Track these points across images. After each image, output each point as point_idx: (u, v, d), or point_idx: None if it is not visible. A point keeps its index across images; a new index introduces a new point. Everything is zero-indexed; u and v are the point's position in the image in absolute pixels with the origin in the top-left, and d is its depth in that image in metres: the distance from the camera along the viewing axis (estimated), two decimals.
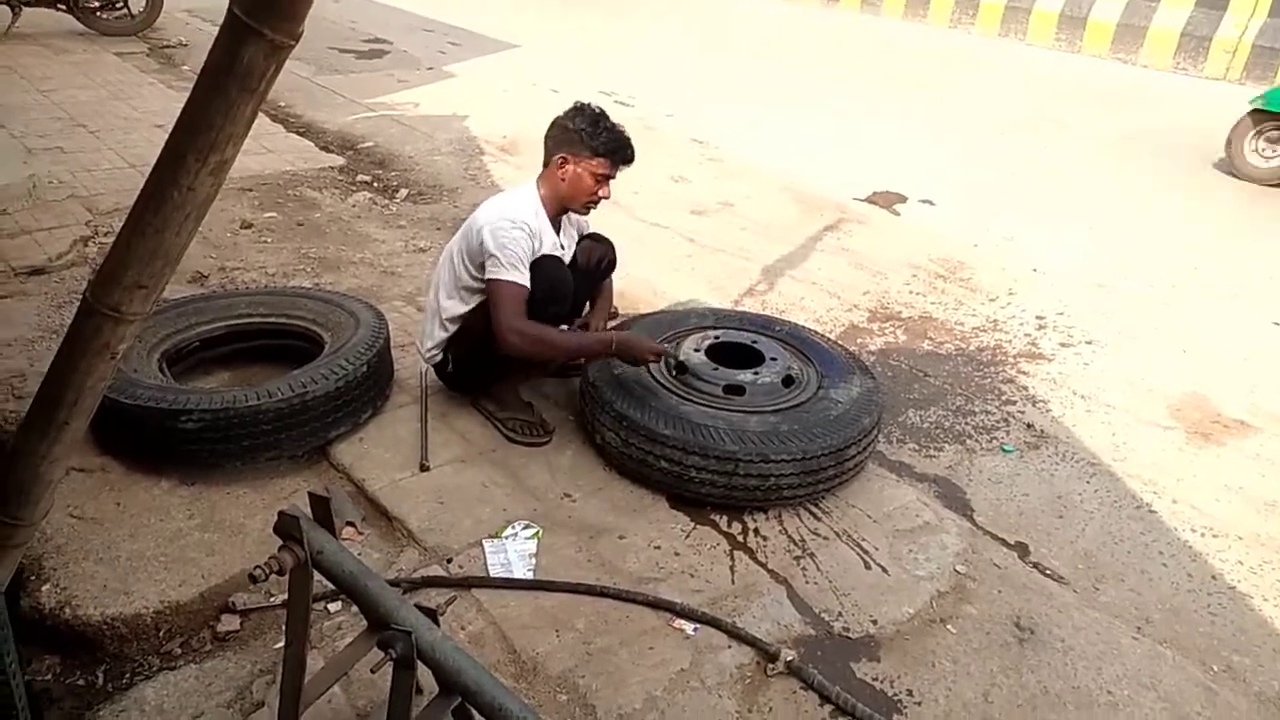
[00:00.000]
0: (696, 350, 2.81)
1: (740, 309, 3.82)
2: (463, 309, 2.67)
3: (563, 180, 2.55)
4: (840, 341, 3.48)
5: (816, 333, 3.26)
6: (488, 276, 2.48)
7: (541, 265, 2.53)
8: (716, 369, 2.73)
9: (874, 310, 4.13)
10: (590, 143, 2.50)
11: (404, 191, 5.11)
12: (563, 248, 2.71)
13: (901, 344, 3.83)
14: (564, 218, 2.72)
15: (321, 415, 2.57)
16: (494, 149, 5.94)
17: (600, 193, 2.58)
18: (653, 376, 2.71)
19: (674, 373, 2.76)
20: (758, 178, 5.67)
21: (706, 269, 4.38)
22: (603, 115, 2.53)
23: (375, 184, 5.21)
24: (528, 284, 2.47)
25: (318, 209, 4.69)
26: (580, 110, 2.55)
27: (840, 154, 6.25)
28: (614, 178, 2.59)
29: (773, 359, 2.81)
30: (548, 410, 2.95)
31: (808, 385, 2.79)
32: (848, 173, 5.86)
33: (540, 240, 2.55)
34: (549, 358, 2.69)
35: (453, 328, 2.69)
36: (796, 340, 3.06)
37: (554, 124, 2.56)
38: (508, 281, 2.45)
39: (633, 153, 2.56)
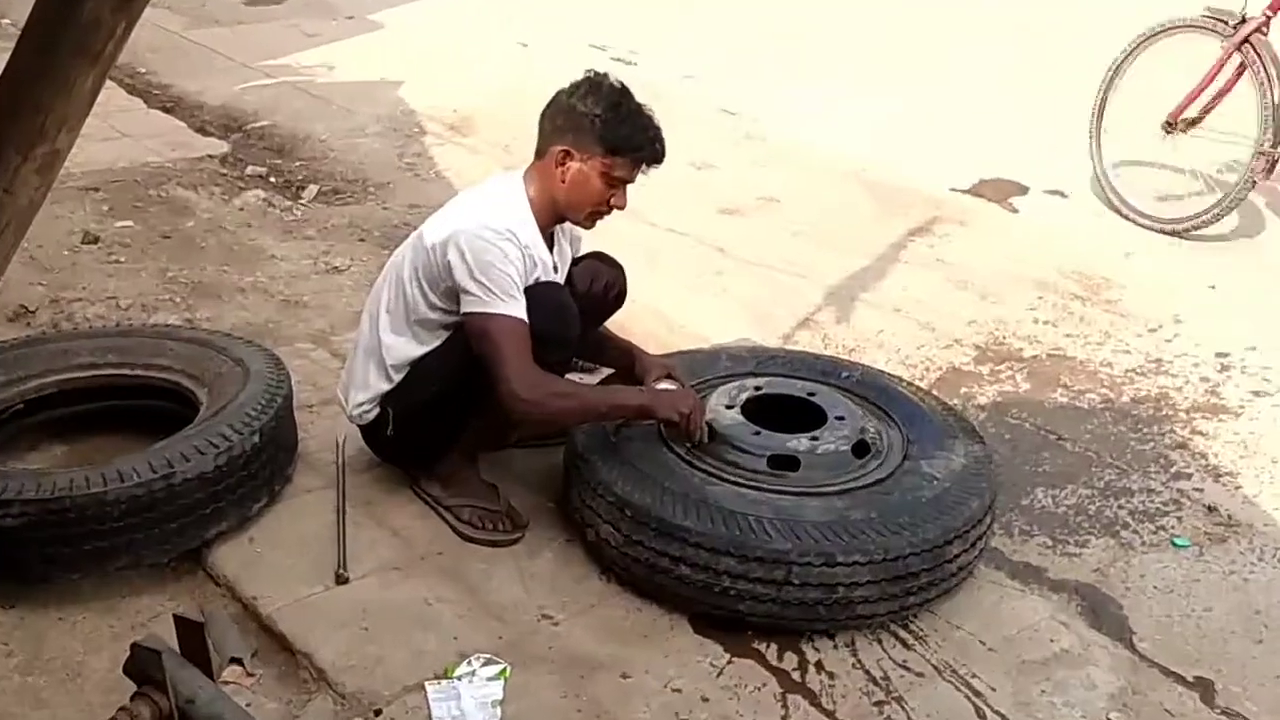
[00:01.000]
0: (730, 407, 2.82)
1: (792, 347, 3.84)
2: (418, 350, 2.68)
3: (563, 181, 2.58)
4: (936, 392, 3.49)
5: (901, 380, 3.25)
6: (470, 311, 2.49)
7: (536, 294, 2.55)
8: (759, 433, 2.73)
9: (983, 347, 4.14)
10: (606, 133, 2.53)
11: (312, 189, 5.20)
12: (555, 270, 2.73)
13: (1024, 395, 3.83)
14: (558, 229, 2.75)
15: (195, 506, 2.56)
16: (440, 127, 6.04)
17: (613, 201, 2.62)
18: (665, 445, 2.71)
19: (697, 439, 2.77)
20: (813, 163, 5.72)
21: (743, 291, 4.41)
22: (625, 95, 2.56)
23: (272, 179, 5.31)
24: (524, 316, 2.49)
25: (191, 215, 4.76)
26: (594, 87, 2.58)
27: (930, 129, 6.31)
28: (633, 181, 2.63)
29: (838, 418, 2.81)
30: (518, 494, 2.95)
31: (889, 455, 2.79)
32: (942, 154, 5.91)
33: (533, 260, 2.58)
34: (573, 423, 2.71)
35: (398, 376, 2.70)
36: (872, 391, 3.07)
37: (555, 102, 2.60)
38: (505, 316, 2.46)
39: (664, 149, 2.60)
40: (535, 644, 2.50)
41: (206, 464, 2.56)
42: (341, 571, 2.63)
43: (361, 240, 4.69)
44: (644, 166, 2.61)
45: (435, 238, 2.60)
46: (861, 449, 2.77)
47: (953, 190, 5.55)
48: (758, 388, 2.95)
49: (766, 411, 2.87)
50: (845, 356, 3.80)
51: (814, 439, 2.73)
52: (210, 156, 5.43)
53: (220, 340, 3.11)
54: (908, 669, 2.50)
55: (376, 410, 2.78)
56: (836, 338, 4.15)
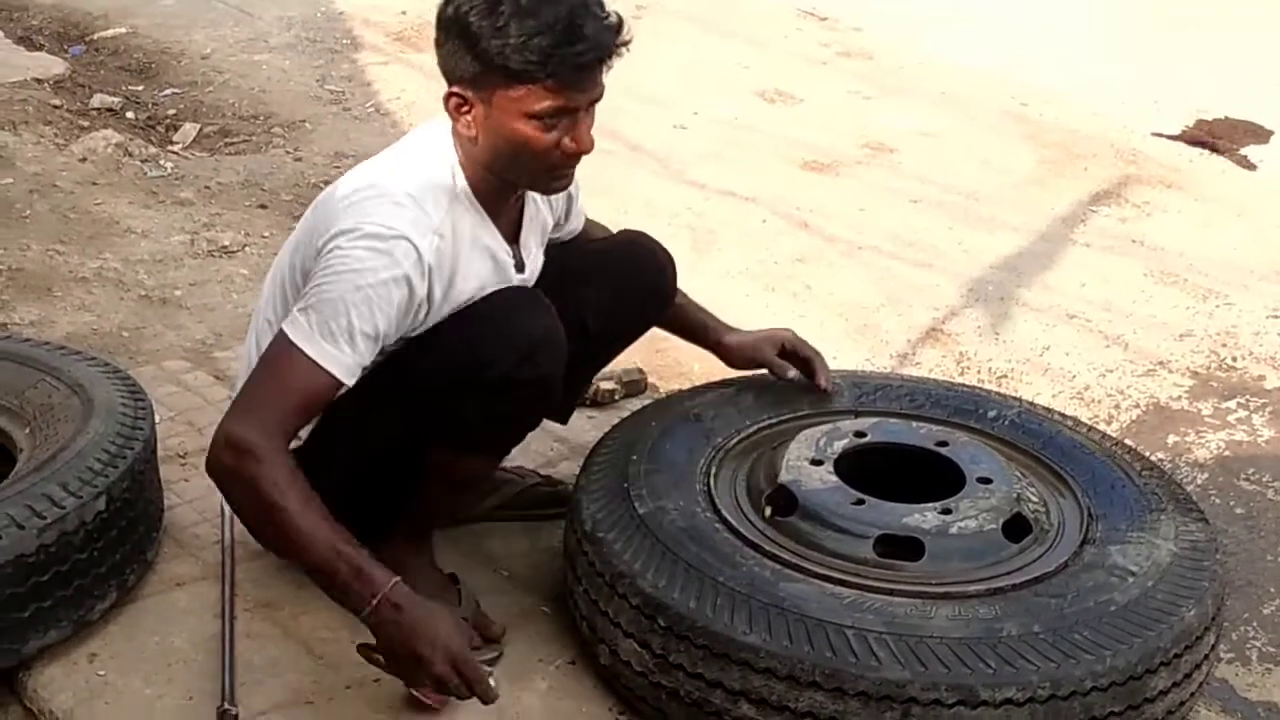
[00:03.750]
0: (817, 462, 2.81)
1: (912, 373, 3.82)
2: None
3: (473, 138, 2.54)
4: (1131, 443, 3.45)
5: (1079, 424, 3.20)
6: (282, 326, 2.48)
7: (487, 312, 2.52)
8: (861, 503, 2.72)
9: (1203, 374, 4.12)
10: (489, 51, 2.48)
11: (189, 129, 5.23)
12: (520, 267, 2.69)
13: (1266, 447, 3.83)
14: (526, 200, 2.71)
15: (7, 606, 2.53)
16: (381, 37, 6.06)
17: (563, 145, 2.56)
18: (719, 515, 2.68)
19: (767, 510, 2.79)
20: (944, 94, 5.72)
21: (837, 287, 4.39)
22: None
23: (130, 114, 5.32)
24: (342, 376, 2.46)
25: (8, 168, 4.78)
26: None
27: (1120, 44, 6.28)
28: (579, 107, 2.57)
29: (983, 481, 2.81)
30: (495, 592, 2.95)
31: (1060, 538, 2.77)
32: (1139, 83, 5.89)
33: (445, 271, 2.53)
34: (267, 539, 2.66)
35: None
36: (1035, 441, 3.05)
37: (438, 16, 2.58)
38: (303, 356, 2.41)
39: (599, 44, 2.51)
40: None
41: (25, 542, 2.52)
42: (228, 708, 2.58)
43: (262, 207, 4.70)
44: (576, 80, 2.54)
45: (324, 221, 2.58)
46: (1018, 528, 2.74)
47: (1156, 136, 5.53)
48: (860, 434, 2.91)
49: (873, 470, 2.84)
50: (993, 387, 3.75)
51: (946, 512, 2.69)
52: (38, 81, 5.44)
53: (49, 355, 3.06)
54: None
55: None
56: (979, 359, 4.12)
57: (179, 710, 2.64)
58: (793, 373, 3.04)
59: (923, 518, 2.72)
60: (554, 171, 2.62)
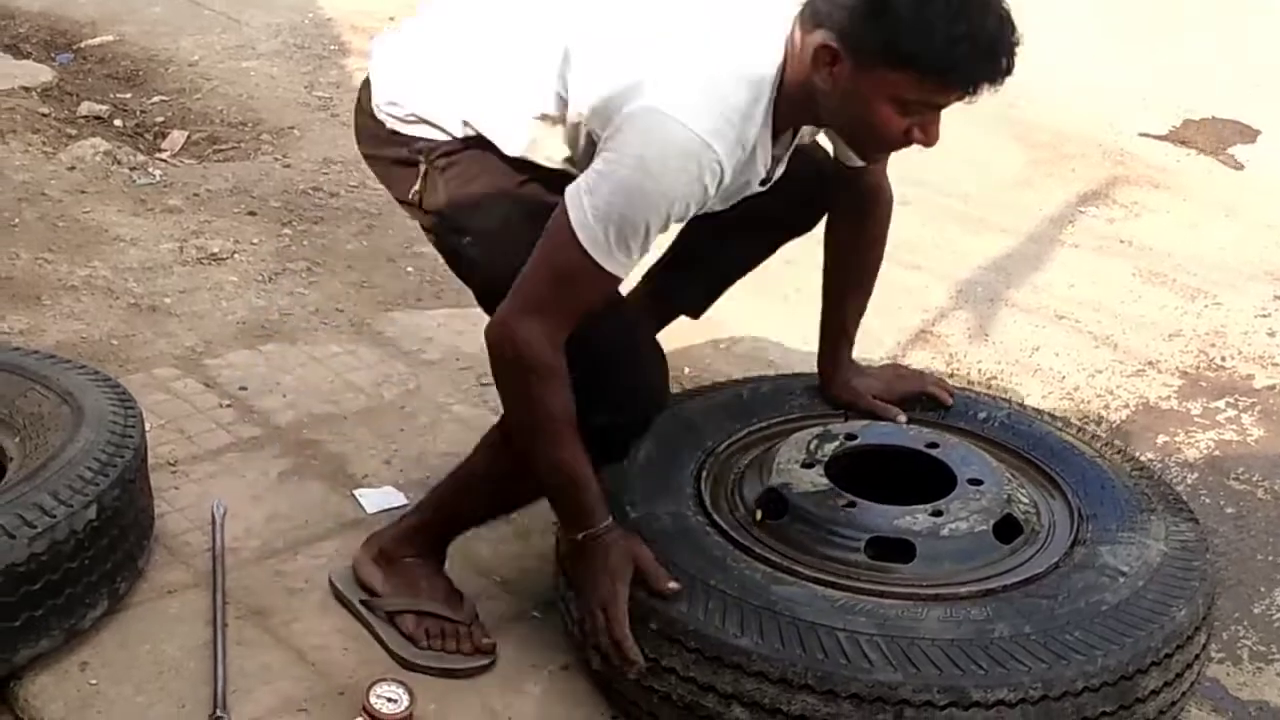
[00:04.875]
0: (808, 465, 2.82)
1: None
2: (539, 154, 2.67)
3: (828, 87, 2.51)
4: (1120, 444, 3.47)
5: (1069, 425, 3.22)
6: (567, 206, 2.45)
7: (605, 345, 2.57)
8: (853, 505, 2.73)
9: (1193, 374, 4.13)
10: (908, 36, 2.43)
11: (178, 137, 5.21)
12: (768, 178, 2.68)
13: (1255, 447, 3.82)
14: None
15: None
16: (368, 43, 5.85)
17: (914, 134, 2.55)
18: (711, 519, 2.69)
19: (759, 513, 2.76)
20: None
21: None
22: None
23: (118, 122, 5.31)
24: (623, 276, 2.48)
25: None
26: None
27: (1108, 43, 6.29)
28: (945, 106, 2.55)
29: (973, 482, 2.80)
30: (484, 597, 2.94)
31: (1051, 539, 2.77)
32: (1128, 82, 5.90)
33: (726, 181, 2.53)
34: (526, 441, 2.67)
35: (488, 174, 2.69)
36: (1025, 442, 3.06)
37: None
38: (585, 254, 2.38)
39: (1008, 70, 2.48)
40: None
41: (16, 551, 2.52)
42: (220, 715, 2.59)
43: (251, 214, 4.69)
44: (970, 88, 2.51)
45: (645, 80, 2.52)
46: (1009, 529, 2.74)
47: (1143, 136, 5.53)
48: (850, 436, 2.92)
49: (864, 473, 2.85)
50: (982, 389, 3.75)
51: (937, 514, 2.69)
52: (25, 90, 5.43)
53: (38, 364, 3.07)
54: None
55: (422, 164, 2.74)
56: (969, 360, 4.12)
57: (171, 718, 2.63)
58: (901, 416, 3.06)
59: (914, 520, 2.72)
60: (886, 150, 2.65)
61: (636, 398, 2.62)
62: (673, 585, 2.52)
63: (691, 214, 2.55)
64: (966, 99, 2.47)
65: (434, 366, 3.75)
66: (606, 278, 2.48)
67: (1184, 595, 2.62)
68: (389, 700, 2.61)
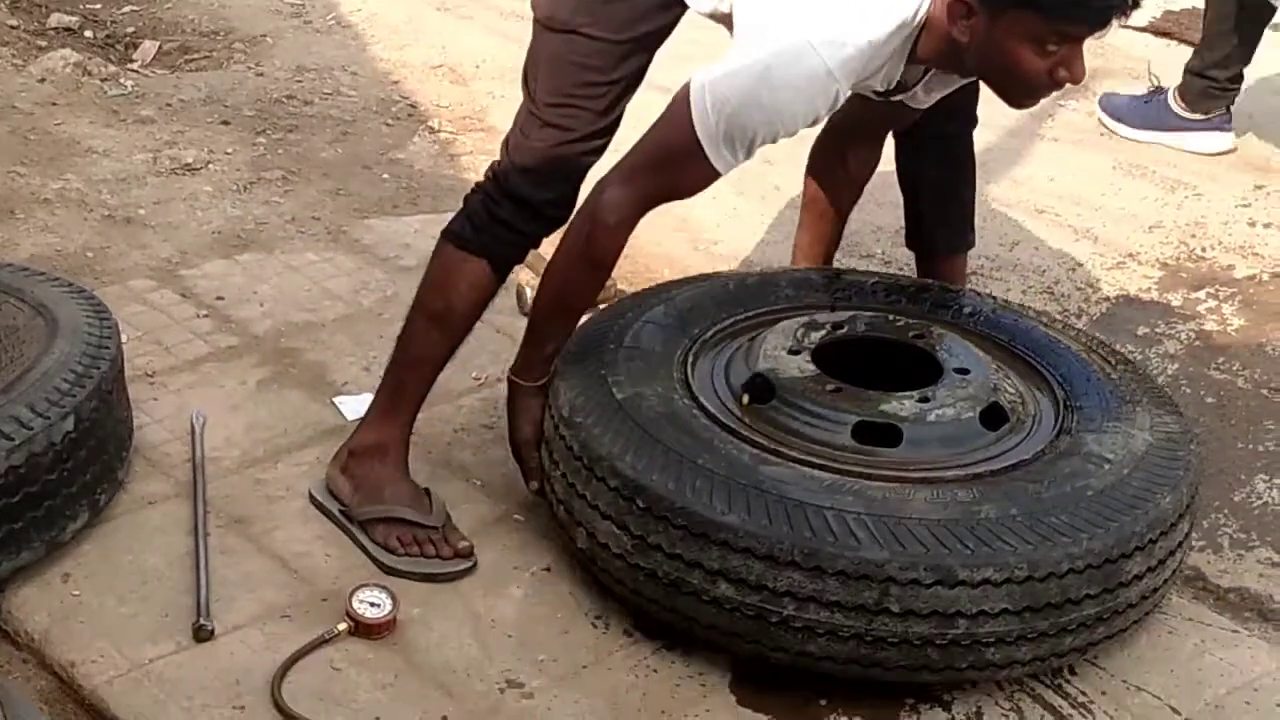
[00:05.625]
0: (795, 352, 2.82)
1: (887, 270, 3.81)
2: None
3: (966, 39, 2.55)
4: (1102, 335, 3.45)
5: (1051, 319, 3.22)
6: (687, 96, 2.56)
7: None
8: (839, 390, 2.74)
9: (1173, 265, 4.12)
10: None
11: (149, 47, 5.17)
12: (879, 92, 2.82)
13: (1236, 336, 3.82)
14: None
15: None
16: None
17: (1060, 74, 2.59)
18: (697, 402, 2.73)
19: (746, 397, 2.77)
20: None
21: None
22: None
23: (88, 33, 5.27)
24: (722, 172, 2.61)
25: None
26: None
27: None
28: (1084, 39, 2.58)
29: (960, 371, 2.81)
30: (465, 501, 2.96)
31: (1036, 427, 2.79)
32: None
33: (839, 102, 2.62)
34: (558, 281, 2.85)
35: None
36: (1009, 334, 3.07)
37: None
38: (696, 148, 2.55)
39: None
40: None
41: None
42: (203, 623, 2.60)
43: (225, 124, 4.65)
44: (1104, 21, 2.55)
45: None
46: (995, 417, 2.74)
47: (1123, 27, 5.45)
48: (837, 326, 2.93)
49: (851, 361, 2.85)
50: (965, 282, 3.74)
51: (924, 400, 2.70)
52: None
53: (12, 277, 3.05)
54: None
55: None
56: None
57: (154, 627, 2.66)
58: None
59: (900, 405, 2.75)
60: (1034, 94, 2.67)
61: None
62: (534, 485, 2.85)
63: (797, 131, 2.62)
64: (1097, 32, 2.56)
65: (411, 273, 3.72)
66: (706, 168, 2.58)
67: (1169, 483, 2.63)
68: (372, 605, 2.63)
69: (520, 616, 2.72)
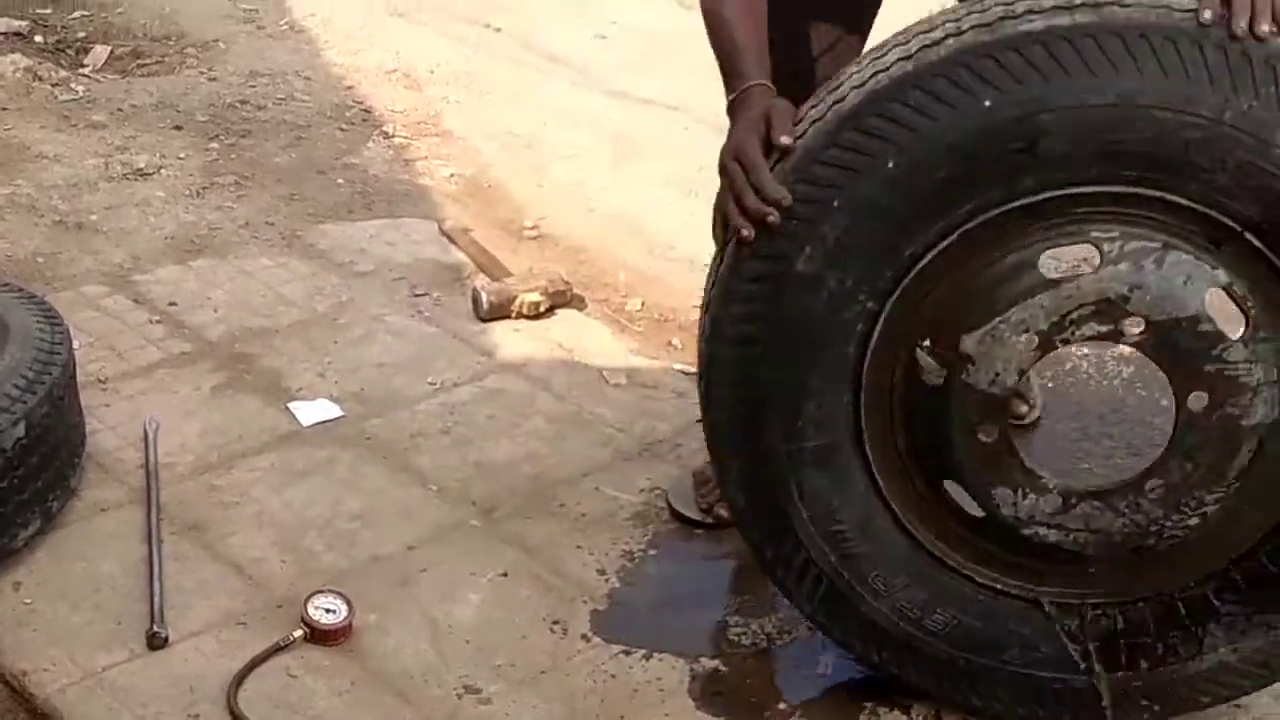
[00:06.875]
0: None
1: None
2: None
3: None
4: None
5: None
6: None
7: None
8: None
9: None
10: None
11: (101, 51, 5.15)
12: None
13: None
14: None
15: None
16: None
17: None
18: None
19: None
20: None
21: None
22: None
23: (38, 38, 5.24)
24: None
25: None
26: None
27: None
28: None
29: None
30: (422, 506, 2.97)
31: None
32: None
33: None
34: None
35: None
36: None
37: None
38: None
39: None
40: None
41: None
42: (157, 630, 2.60)
43: (177, 128, 4.64)
44: None
45: None
46: None
47: None
48: None
49: None
50: None
51: None
52: None
53: None
54: None
55: None
56: None
57: (108, 635, 2.65)
58: None
59: None
60: None
61: None
62: (785, 140, 2.59)
63: None
64: None
65: (366, 278, 3.73)
66: None
67: None
68: (328, 611, 2.63)
69: (477, 622, 2.72)
